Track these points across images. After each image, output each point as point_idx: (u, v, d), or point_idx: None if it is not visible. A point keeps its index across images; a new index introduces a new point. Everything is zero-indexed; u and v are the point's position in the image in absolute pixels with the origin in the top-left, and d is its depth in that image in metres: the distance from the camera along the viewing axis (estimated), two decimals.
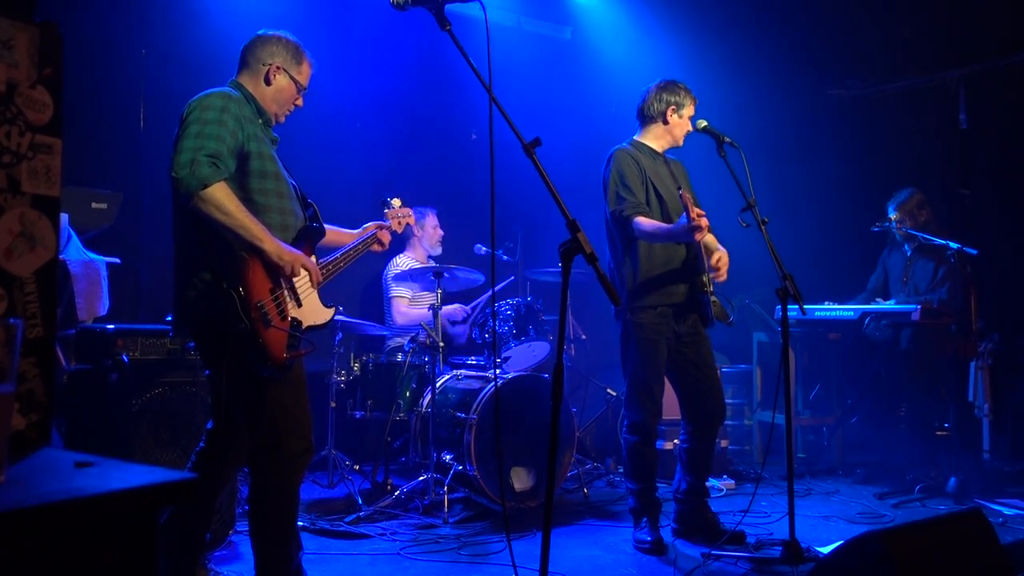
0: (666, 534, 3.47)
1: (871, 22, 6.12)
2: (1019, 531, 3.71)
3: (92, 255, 3.75)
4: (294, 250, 2.45)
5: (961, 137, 5.52)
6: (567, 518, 3.87)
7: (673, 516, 3.58)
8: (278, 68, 2.63)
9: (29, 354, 1.17)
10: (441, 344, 4.10)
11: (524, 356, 4.58)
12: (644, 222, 3.33)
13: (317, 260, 2.69)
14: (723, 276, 3.44)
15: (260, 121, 2.59)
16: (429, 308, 4.25)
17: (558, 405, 1.83)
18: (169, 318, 2.52)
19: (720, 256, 3.44)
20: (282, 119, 2.72)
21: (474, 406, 3.88)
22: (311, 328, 2.58)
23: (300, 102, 2.74)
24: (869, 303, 4.95)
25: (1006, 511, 4.02)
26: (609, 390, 5.21)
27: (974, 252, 4.38)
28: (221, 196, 2.29)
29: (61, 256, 3.52)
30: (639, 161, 3.49)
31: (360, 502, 3.85)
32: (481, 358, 4.53)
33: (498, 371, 4.21)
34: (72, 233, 3.70)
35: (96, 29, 4.40)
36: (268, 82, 2.63)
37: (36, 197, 1.19)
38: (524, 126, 1.97)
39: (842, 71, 6.36)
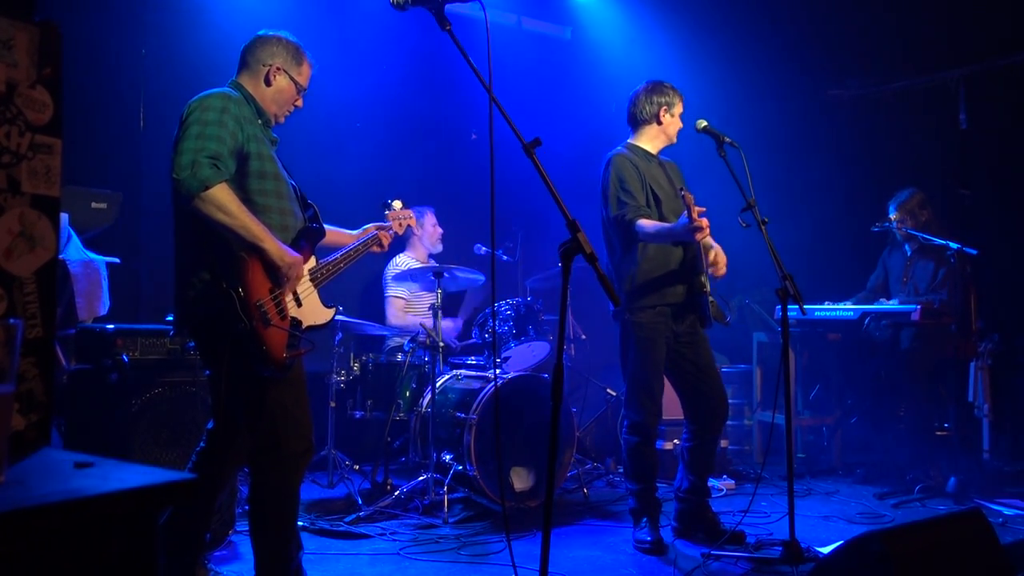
0: (666, 534, 3.47)
1: (871, 22, 6.12)
2: (1019, 531, 3.70)
3: (92, 255, 3.75)
4: (295, 253, 2.45)
5: (961, 137, 5.52)
6: (567, 518, 3.87)
7: (674, 515, 3.58)
8: (278, 69, 2.63)
9: (29, 354, 1.17)
10: (441, 344, 4.10)
11: (524, 356, 4.59)
12: (647, 224, 3.35)
13: (317, 260, 2.69)
14: (721, 270, 3.46)
15: (260, 122, 2.59)
16: (429, 308, 4.25)
17: (558, 405, 1.83)
18: (169, 318, 2.52)
19: (717, 252, 3.47)
20: (282, 120, 2.72)
21: (474, 406, 3.88)
22: (311, 328, 2.58)
23: (300, 103, 2.74)
24: (869, 302, 4.94)
25: (1006, 511, 4.02)
26: (609, 390, 5.21)
27: (974, 252, 4.38)
28: (222, 197, 2.29)
29: (61, 256, 3.52)
30: (636, 165, 3.52)
31: (360, 502, 3.85)
32: (481, 358, 4.53)
33: (498, 371, 4.21)
34: (72, 233, 3.70)
35: (96, 29, 4.40)
36: (268, 83, 2.63)
37: (36, 197, 1.19)
38: (524, 126, 1.97)
39: (842, 71, 6.35)
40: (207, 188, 2.27)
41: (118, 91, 4.53)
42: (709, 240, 3.57)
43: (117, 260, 3.89)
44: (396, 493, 3.92)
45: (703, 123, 3.42)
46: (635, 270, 3.46)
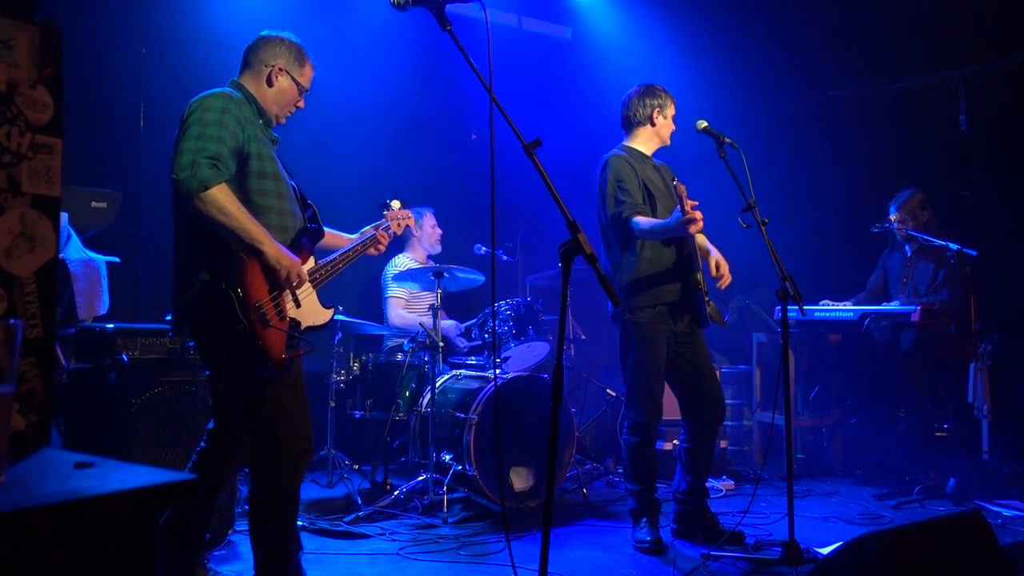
0: (665, 534, 3.48)
1: (871, 23, 6.12)
2: (1018, 532, 3.70)
3: (92, 254, 3.75)
4: (293, 255, 2.45)
5: (961, 138, 5.51)
6: (566, 518, 3.87)
7: (673, 516, 3.58)
8: (280, 70, 2.63)
9: (29, 354, 1.17)
10: (441, 344, 4.10)
11: (524, 356, 4.59)
12: (642, 220, 3.38)
13: (316, 261, 2.69)
14: (727, 279, 3.48)
15: (260, 122, 2.59)
16: (429, 308, 4.25)
17: (558, 405, 1.82)
18: (168, 318, 2.52)
19: (718, 262, 3.49)
20: (283, 120, 2.72)
21: (473, 406, 3.88)
22: (310, 329, 2.58)
23: (302, 103, 2.74)
24: (869, 303, 4.94)
25: (1005, 512, 4.02)
26: (609, 390, 5.21)
27: (974, 253, 4.37)
28: (222, 198, 2.30)
29: (61, 255, 3.52)
30: (633, 165, 3.55)
31: (359, 502, 3.85)
32: (481, 358, 4.53)
33: (498, 371, 4.21)
34: (72, 232, 3.70)
35: (96, 29, 4.40)
36: (270, 83, 2.63)
37: (36, 197, 1.20)
38: (524, 126, 1.97)
39: (842, 72, 6.35)
40: (206, 188, 2.27)
41: (118, 91, 4.53)
42: (706, 245, 3.60)
43: (117, 259, 3.89)
44: (395, 493, 3.92)
45: (703, 124, 3.42)
46: (633, 269, 3.48)
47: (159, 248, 3.54)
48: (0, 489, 0.95)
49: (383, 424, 4.21)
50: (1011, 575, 2.10)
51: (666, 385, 3.57)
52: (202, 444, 2.59)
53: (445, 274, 4.23)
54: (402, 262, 5.03)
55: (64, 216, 3.63)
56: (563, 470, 4.12)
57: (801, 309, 3.24)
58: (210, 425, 2.60)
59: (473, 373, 4.28)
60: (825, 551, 3.13)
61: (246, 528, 2.54)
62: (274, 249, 2.38)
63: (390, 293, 4.98)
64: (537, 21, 6.42)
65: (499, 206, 2.16)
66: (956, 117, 5.46)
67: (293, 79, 2.66)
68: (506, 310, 4.44)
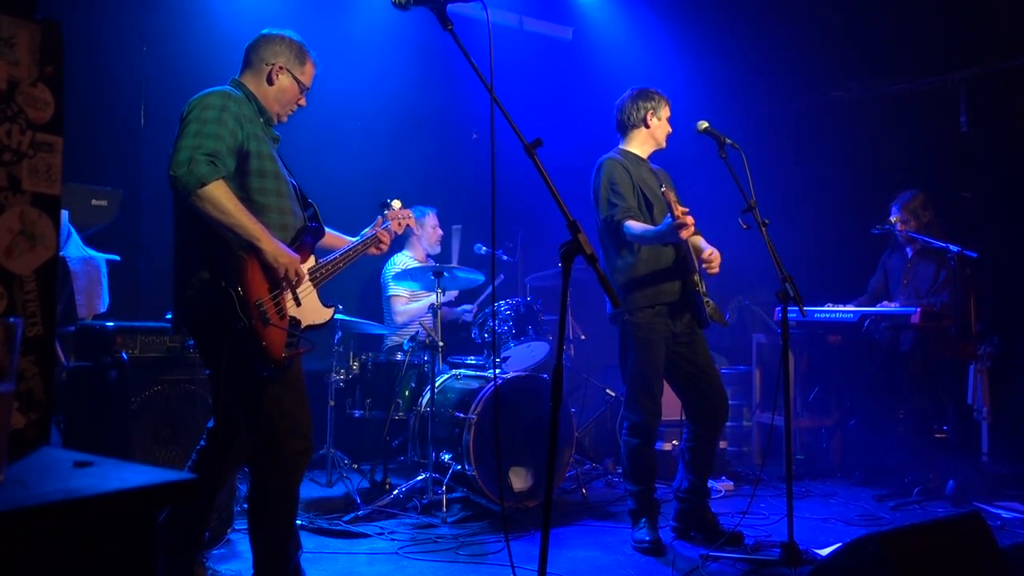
0: (665, 535, 3.48)
1: (872, 24, 6.11)
2: (1017, 534, 3.70)
3: (92, 252, 3.75)
4: (292, 253, 2.45)
5: (961, 140, 5.51)
6: (566, 518, 3.87)
7: (673, 515, 3.59)
8: (281, 68, 2.63)
9: (28, 353, 1.17)
10: (440, 344, 4.10)
11: (523, 356, 4.58)
12: (634, 225, 3.38)
13: (316, 260, 2.69)
14: (715, 269, 3.47)
15: (261, 120, 2.59)
16: (428, 308, 4.25)
17: (558, 405, 1.82)
18: (168, 316, 2.52)
19: (712, 251, 3.49)
20: (284, 119, 2.72)
21: (473, 406, 3.88)
22: (310, 327, 2.58)
23: (303, 102, 2.74)
24: (871, 305, 4.94)
25: (1004, 514, 4.01)
26: (608, 390, 5.21)
27: (974, 255, 4.37)
28: (219, 195, 2.29)
29: (61, 253, 3.51)
30: (627, 168, 3.54)
31: (359, 501, 3.85)
32: (480, 358, 4.53)
33: (497, 371, 4.21)
34: (72, 230, 3.70)
35: (97, 27, 4.40)
36: (271, 82, 2.63)
37: (36, 195, 1.19)
38: (525, 126, 1.97)
39: (843, 73, 6.35)
40: (203, 185, 2.27)
41: (119, 89, 4.53)
42: (701, 242, 3.59)
43: (117, 257, 3.88)
44: (395, 492, 3.92)
45: (704, 124, 3.42)
46: (630, 270, 3.48)
47: (159, 246, 3.55)
48: None
49: (382, 423, 4.21)
50: None
51: (665, 385, 3.57)
52: (202, 443, 2.60)
53: (445, 273, 4.23)
54: (402, 261, 5.03)
55: (64, 214, 3.63)
56: (562, 470, 4.12)
57: (801, 310, 3.23)
58: (210, 424, 2.60)
59: (473, 373, 4.28)
60: (824, 552, 3.13)
61: (245, 527, 2.54)
62: (272, 246, 2.38)
63: (392, 292, 4.98)
64: (538, 21, 6.41)
65: (499, 206, 2.16)
66: (957, 119, 5.45)
67: (294, 77, 2.66)
68: (506, 310, 4.44)
